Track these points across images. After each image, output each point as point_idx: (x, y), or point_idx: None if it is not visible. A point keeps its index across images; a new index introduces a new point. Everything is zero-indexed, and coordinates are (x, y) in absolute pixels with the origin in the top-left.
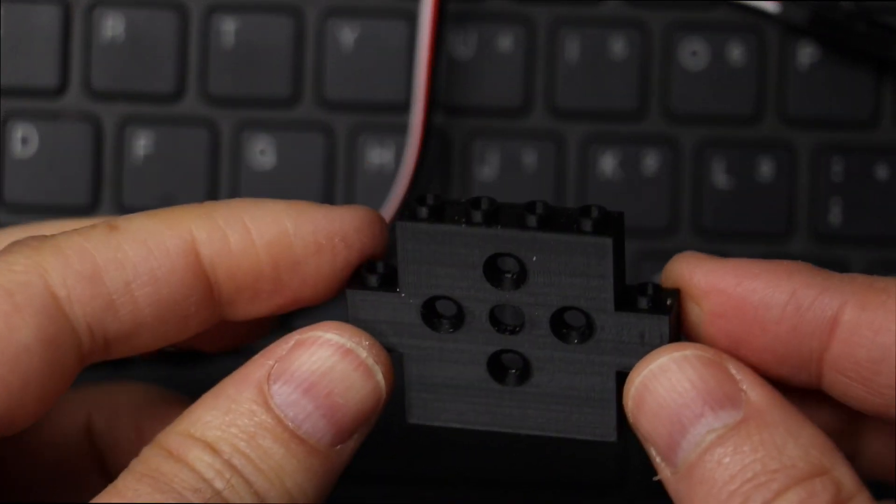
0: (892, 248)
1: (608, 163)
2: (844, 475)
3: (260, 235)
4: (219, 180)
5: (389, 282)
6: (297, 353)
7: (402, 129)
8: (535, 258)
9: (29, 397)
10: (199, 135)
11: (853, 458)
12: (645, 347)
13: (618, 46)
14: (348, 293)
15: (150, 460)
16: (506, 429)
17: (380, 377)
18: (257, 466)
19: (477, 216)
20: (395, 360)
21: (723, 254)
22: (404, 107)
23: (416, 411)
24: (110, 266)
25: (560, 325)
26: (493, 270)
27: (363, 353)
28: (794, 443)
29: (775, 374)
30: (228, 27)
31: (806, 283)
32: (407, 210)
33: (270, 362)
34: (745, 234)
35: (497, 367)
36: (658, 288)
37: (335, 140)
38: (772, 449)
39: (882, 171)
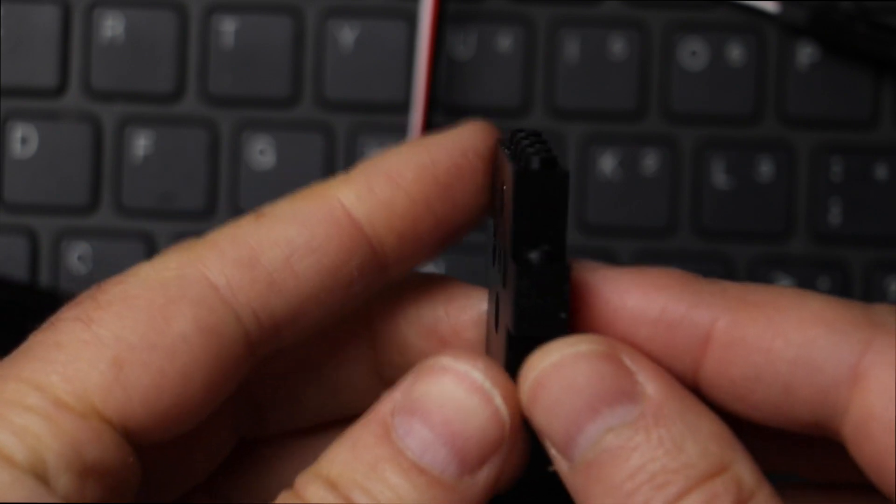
0: (892, 248)
1: (608, 163)
2: (745, 470)
3: (402, 178)
4: (218, 180)
5: None
6: (417, 383)
7: (402, 129)
8: (503, 185)
9: (192, 390)
10: (198, 135)
11: None
12: (512, 310)
13: (617, 46)
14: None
15: (279, 501)
16: None
17: (498, 401)
18: (377, 499)
19: (517, 137)
20: None
21: (722, 254)
22: (404, 107)
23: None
24: (265, 247)
25: (502, 263)
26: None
27: (478, 376)
28: (693, 439)
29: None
30: (228, 27)
31: (676, 297)
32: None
33: (398, 395)
34: (745, 233)
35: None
36: (553, 257)
37: (335, 140)
38: (670, 447)
39: (881, 171)
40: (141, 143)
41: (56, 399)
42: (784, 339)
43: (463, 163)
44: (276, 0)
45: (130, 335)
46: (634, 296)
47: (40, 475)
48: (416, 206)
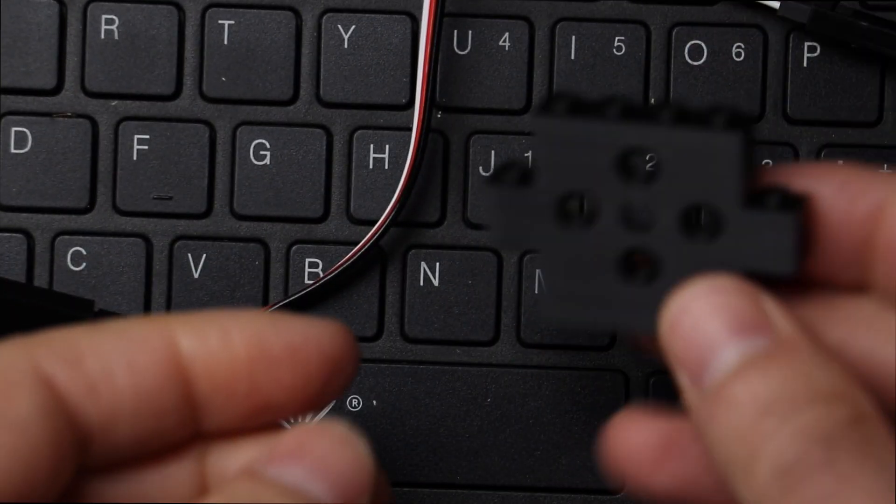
0: None
1: None
2: (864, 400)
3: (239, 333)
4: (215, 179)
5: (526, 180)
6: (284, 437)
7: (401, 128)
8: (666, 154)
9: (38, 468)
10: (195, 133)
11: None
12: (771, 245)
13: (618, 44)
14: (488, 188)
15: None
16: (635, 327)
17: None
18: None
19: (612, 112)
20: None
21: None
22: (403, 106)
23: (547, 308)
24: (92, 353)
25: (689, 222)
26: (625, 167)
27: (343, 428)
28: (819, 372)
29: (824, 273)
30: (225, 25)
31: (849, 176)
32: (543, 106)
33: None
34: None
35: (627, 265)
36: (786, 190)
37: (333, 139)
38: (799, 374)
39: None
40: (137, 142)
41: None
42: None
43: (300, 347)
44: None
45: None
46: (810, 175)
47: None
48: (238, 364)
